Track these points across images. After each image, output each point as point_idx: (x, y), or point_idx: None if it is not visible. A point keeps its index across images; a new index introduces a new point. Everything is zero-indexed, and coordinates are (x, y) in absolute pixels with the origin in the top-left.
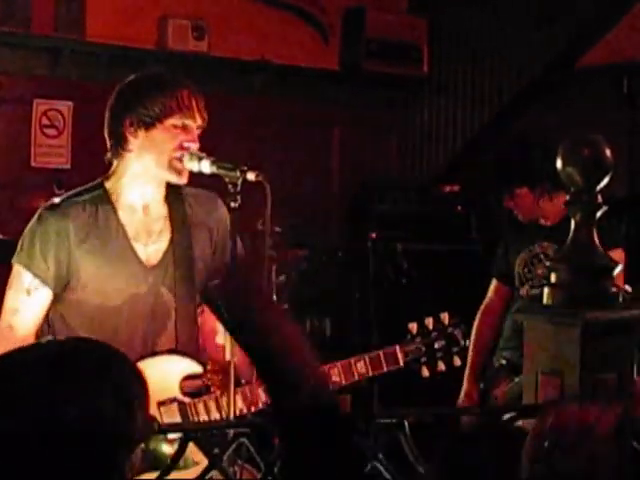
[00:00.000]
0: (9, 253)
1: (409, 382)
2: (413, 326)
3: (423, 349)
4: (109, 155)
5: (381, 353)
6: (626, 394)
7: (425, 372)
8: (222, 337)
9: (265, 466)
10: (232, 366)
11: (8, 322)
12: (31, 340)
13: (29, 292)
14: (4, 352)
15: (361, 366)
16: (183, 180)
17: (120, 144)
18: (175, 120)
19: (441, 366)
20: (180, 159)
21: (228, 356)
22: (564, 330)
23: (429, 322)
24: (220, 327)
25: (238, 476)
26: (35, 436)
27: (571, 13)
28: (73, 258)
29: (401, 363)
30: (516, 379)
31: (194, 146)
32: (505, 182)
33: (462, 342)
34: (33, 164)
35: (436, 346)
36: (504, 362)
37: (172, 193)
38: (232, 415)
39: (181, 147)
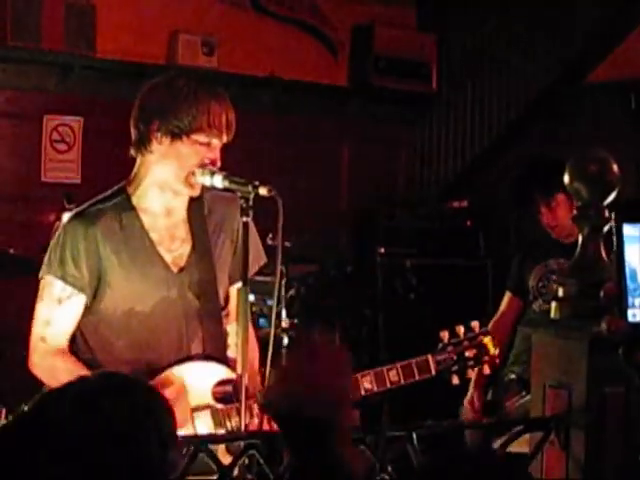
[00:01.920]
0: (20, 268)
1: (418, 396)
2: (445, 334)
3: (455, 358)
4: (132, 151)
5: (413, 362)
6: None
7: (455, 380)
8: (234, 350)
9: (274, 479)
10: (244, 379)
11: (41, 334)
12: (64, 351)
13: (60, 301)
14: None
15: (393, 374)
16: (195, 192)
17: (144, 143)
18: (202, 137)
19: (471, 374)
20: (194, 173)
21: (239, 370)
22: (572, 344)
23: (460, 330)
24: (231, 340)
25: None
26: None
27: (579, 29)
28: (103, 264)
29: (433, 372)
30: (527, 397)
31: (218, 164)
32: (543, 191)
33: (492, 350)
34: (43, 179)
35: (467, 354)
36: (514, 377)
37: (191, 198)
38: (243, 428)
39: (202, 164)
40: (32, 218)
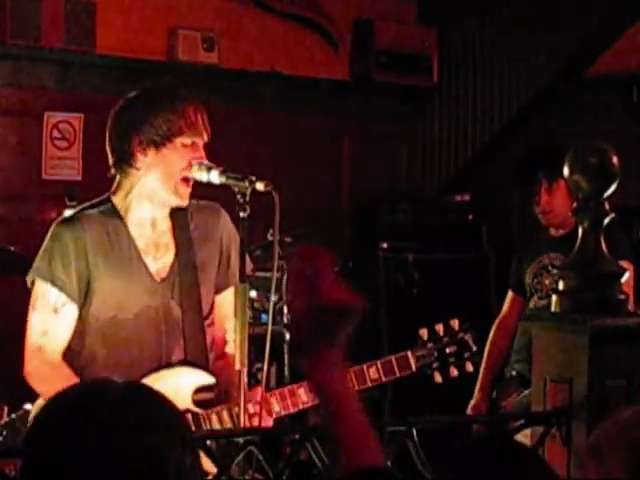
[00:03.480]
0: (20, 265)
1: (421, 392)
2: (424, 332)
3: (435, 354)
4: (113, 171)
5: (393, 358)
6: None
7: (438, 378)
8: (232, 346)
9: (274, 475)
10: (242, 375)
11: (37, 343)
12: (60, 361)
13: (56, 310)
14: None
15: (373, 372)
16: (184, 203)
17: (127, 162)
18: (184, 139)
19: (454, 372)
20: (186, 181)
21: (238, 366)
22: (572, 337)
23: (439, 328)
24: (229, 337)
25: None
26: None
27: (580, 21)
28: (91, 270)
29: (413, 368)
30: (525, 391)
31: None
32: (548, 172)
33: (473, 347)
34: (44, 176)
35: (448, 351)
36: (514, 373)
37: (175, 208)
38: (242, 424)
39: (190, 166)
40: (33, 215)
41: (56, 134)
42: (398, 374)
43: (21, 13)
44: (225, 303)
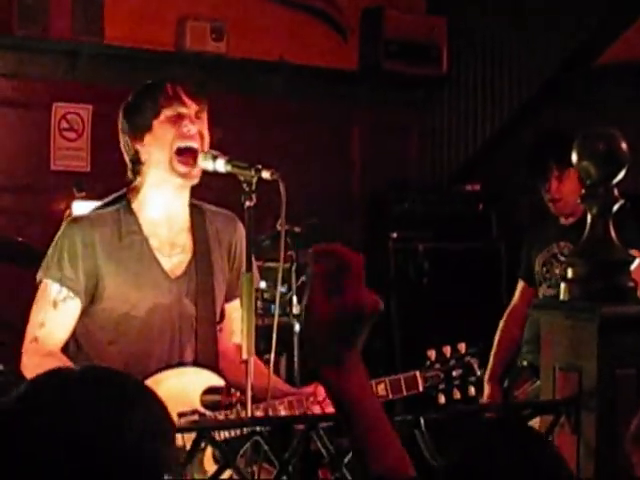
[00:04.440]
0: (28, 256)
1: None
2: (432, 353)
3: (442, 376)
4: (130, 176)
5: (402, 377)
6: None
7: (441, 399)
8: (239, 336)
9: (280, 464)
10: (250, 365)
11: (33, 335)
12: (56, 352)
13: (55, 304)
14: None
15: (382, 389)
16: (192, 182)
17: (136, 161)
18: (168, 112)
19: (457, 394)
20: (182, 160)
21: (245, 355)
22: (582, 325)
23: (447, 350)
24: (236, 327)
25: (256, 476)
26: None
27: (589, 10)
28: (100, 269)
29: (420, 389)
30: (538, 382)
31: (193, 129)
32: (558, 160)
33: (477, 372)
34: (52, 167)
35: (454, 374)
36: (525, 364)
37: (194, 209)
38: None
39: (181, 134)
40: (41, 207)
41: (64, 125)
42: (405, 393)
43: (29, 3)
44: (233, 313)
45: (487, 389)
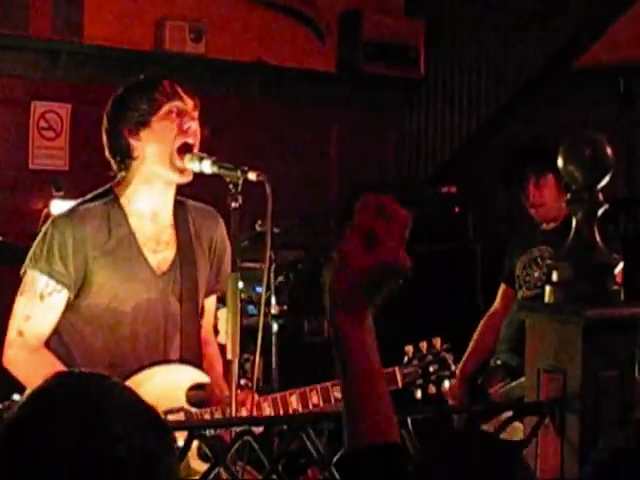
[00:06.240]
0: (7, 254)
1: None
2: (409, 349)
3: (420, 372)
4: (116, 170)
5: None
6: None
7: (418, 394)
8: (224, 337)
9: (269, 463)
10: (234, 365)
11: (19, 328)
12: (40, 350)
13: (42, 297)
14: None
15: None
16: (186, 179)
17: (127, 155)
18: (167, 107)
19: (432, 389)
20: (180, 153)
21: (229, 355)
22: (566, 327)
23: (423, 346)
24: (221, 327)
25: (240, 476)
26: None
27: (568, 13)
28: (89, 263)
29: (399, 384)
30: (513, 383)
31: (194, 125)
32: (535, 168)
33: (452, 366)
34: (31, 166)
35: (430, 369)
36: (499, 363)
37: (177, 205)
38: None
39: (182, 131)
40: (20, 205)
41: (43, 124)
42: None
43: (9, 2)
44: (210, 308)
45: (451, 383)
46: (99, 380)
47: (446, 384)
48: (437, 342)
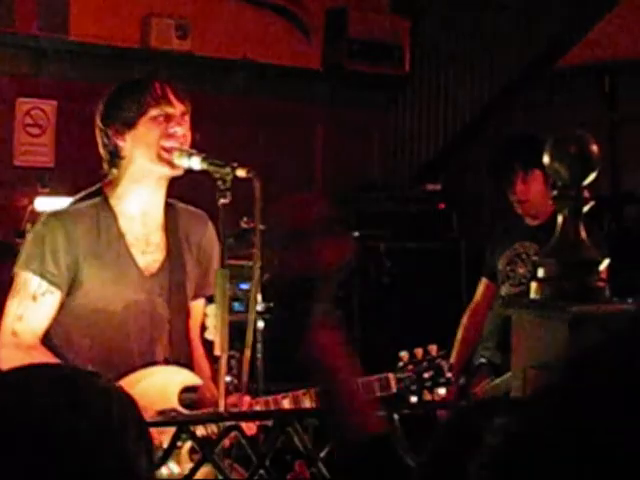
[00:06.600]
0: None
1: None
2: (404, 355)
3: (414, 378)
4: (107, 168)
5: (375, 379)
6: None
7: (413, 399)
8: (212, 333)
9: (257, 458)
10: (222, 361)
11: (12, 328)
12: (36, 347)
13: (35, 298)
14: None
15: None
16: (177, 172)
17: (115, 154)
18: (155, 111)
19: (427, 395)
20: (168, 150)
21: (217, 351)
22: (553, 324)
23: (418, 352)
24: (209, 322)
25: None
26: None
27: (552, 13)
28: (80, 264)
29: (393, 390)
30: (497, 380)
31: (180, 130)
32: (523, 163)
33: (447, 374)
34: (16, 163)
35: (425, 376)
36: (483, 361)
37: (168, 207)
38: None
39: (168, 135)
40: (5, 202)
41: (28, 121)
42: (378, 394)
43: None
44: (198, 311)
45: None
46: (86, 376)
47: (441, 391)
48: (433, 349)
